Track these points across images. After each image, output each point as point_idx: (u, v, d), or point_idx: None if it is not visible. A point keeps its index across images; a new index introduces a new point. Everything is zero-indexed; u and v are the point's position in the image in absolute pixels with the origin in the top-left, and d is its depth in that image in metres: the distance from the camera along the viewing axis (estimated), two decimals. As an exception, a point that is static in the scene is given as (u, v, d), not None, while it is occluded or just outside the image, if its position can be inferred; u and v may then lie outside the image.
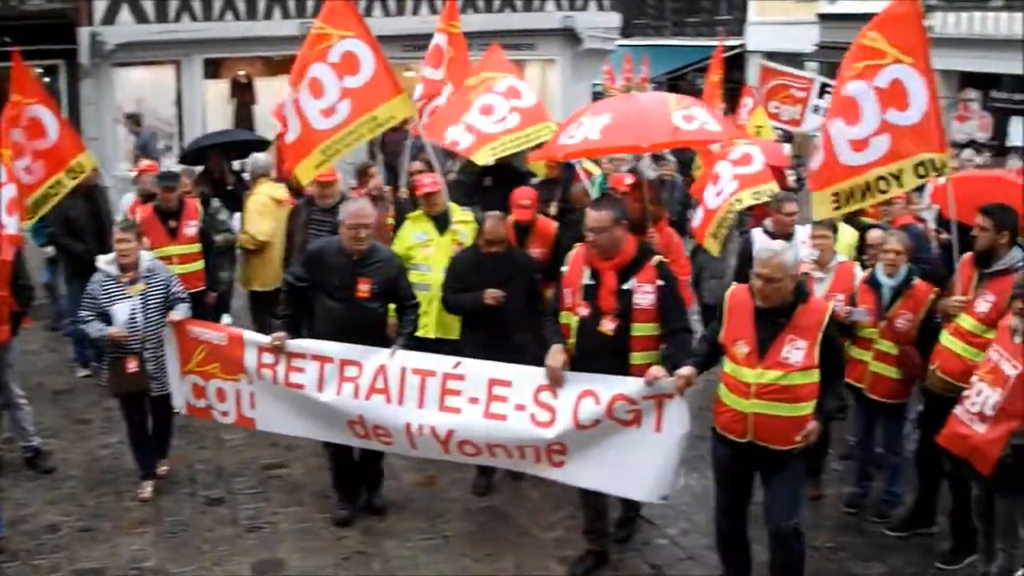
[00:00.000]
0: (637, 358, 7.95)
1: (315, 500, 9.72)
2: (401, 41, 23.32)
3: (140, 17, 23.04)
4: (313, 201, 11.48)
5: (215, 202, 12.98)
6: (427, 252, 10.45)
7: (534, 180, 12.36)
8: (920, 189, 11.58)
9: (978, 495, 7.80)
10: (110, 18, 22.76)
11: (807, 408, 7.20)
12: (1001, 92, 29.87)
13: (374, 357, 8.78)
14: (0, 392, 10.16)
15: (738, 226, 12.23)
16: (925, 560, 8.75)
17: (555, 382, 8.05)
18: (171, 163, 17.96)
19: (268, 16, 23.71)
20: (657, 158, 16.26)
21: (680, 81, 39.42)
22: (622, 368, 7.91)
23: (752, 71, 38.50)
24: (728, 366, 7.43)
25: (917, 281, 9.08)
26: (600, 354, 7.94)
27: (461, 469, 9.70)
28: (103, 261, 9.53)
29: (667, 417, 7.76)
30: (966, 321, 8.23)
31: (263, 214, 12.51)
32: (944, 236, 10.78)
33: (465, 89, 12.19)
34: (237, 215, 13.15)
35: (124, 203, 13.59)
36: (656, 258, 8.08)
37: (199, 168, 14.39)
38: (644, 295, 7.89)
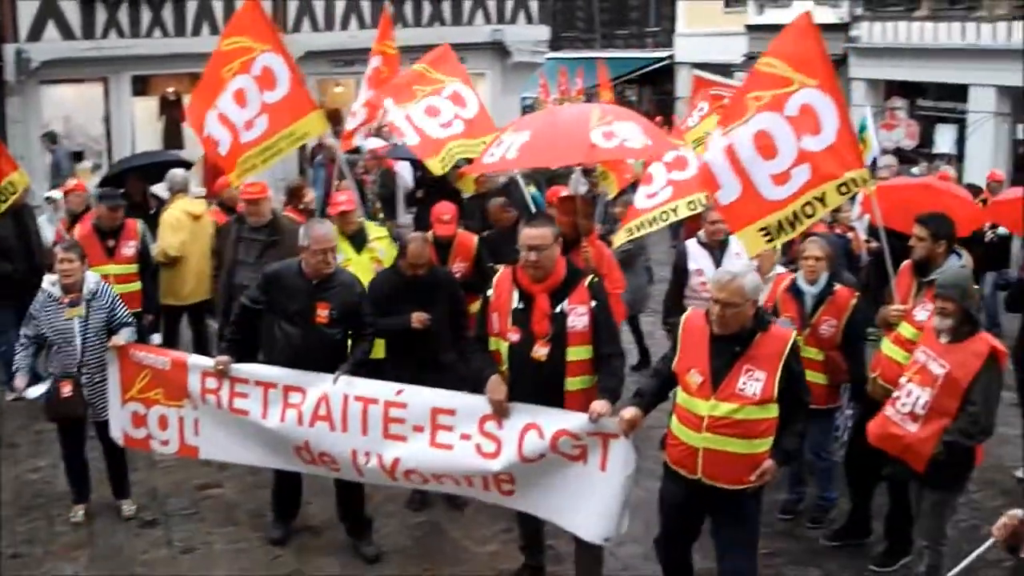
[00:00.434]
0: (572, 384, 7.59)
1: (250, 519, 9.64)
2: (330, 56, 23.40)
3: (66, 33, 22.88)
4: (243, 219, 11.34)
5: (140, 225, 12.86)
6: None
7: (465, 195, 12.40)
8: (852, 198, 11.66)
9: (915, 495, 7.86)
10: (36, 34, 22.59)
11: (763, 445, 6.79)
12: (927, 100, 30.28)
13: (317, 383, 8.44)
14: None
15: (672, 236, 12.31)
16: (860, 563, 8.83)
17: (500, 414, 7.68)
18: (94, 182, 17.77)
19: (196, 32, 23.63)
20: (588, 172, 16.33)
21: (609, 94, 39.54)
22: (556, 394, 7.56)
23: (681, 83, 38.90)
24: (680, 396, 7.00)
25: (838, 287, 9.17)
26: (533, 381, 7.56)
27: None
28: (48, 281, 9.32)
29: (612, 457, 7.38)
30: (906, 329, 8.28)
31: (176, 229, 12.39)
32: (874, 244, 10.88)
33: (415, 75, 12.15)
34: None
35: (43, 223, 13.41)
36: (588, 277, 7.72)
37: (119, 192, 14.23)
38: (578, 317, 7.52)
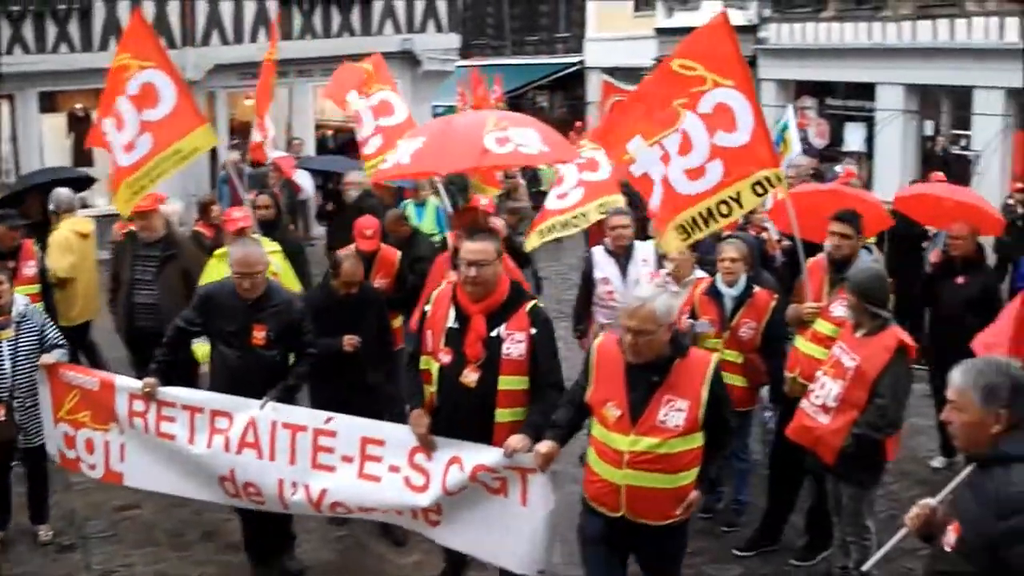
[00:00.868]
0: (502, 415, 7.08)
1: (169, 539, 9.53)
2: (239, 69, 23.19)
3: (-31, 50, 22.51)
4: (136, 236, 11.04)
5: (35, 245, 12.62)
6: None
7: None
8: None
9: (832, 488, 7.94)
10: (-63, 52, 22.21)
11: (688, 477, 6.37)
12: (836, 99, 30.72)
13: (244, 409, 8.09)
14: None
15: (586, 243, 12.29)
16: (781, 559, 8.92)
17: (425, 447, 7.30)
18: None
19: (104, 47, 23.21)
20: (509, 176, 16.32)
21: (521, 100, 39.64)
22: (486, 425, 7.06)
23: (592, 87, 39.10)
24: (597, 430, 6.49)
25: (757, 289, 9.21)
26: (462, 408, 7.11)
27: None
28: None
29: (532, 492, 6.97)
30: (824, 326, 8.32)
31: (65, 249, 12.12)
32: (786, 243, 10.94)
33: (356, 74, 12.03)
34: None
35: None
36: (531, 302, 7.23)
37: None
38: (515, 344, 7.02)
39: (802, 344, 8.50)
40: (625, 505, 6.36)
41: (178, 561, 9.14)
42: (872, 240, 10.80)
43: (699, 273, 9.85)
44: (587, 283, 10.68)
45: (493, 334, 7.04)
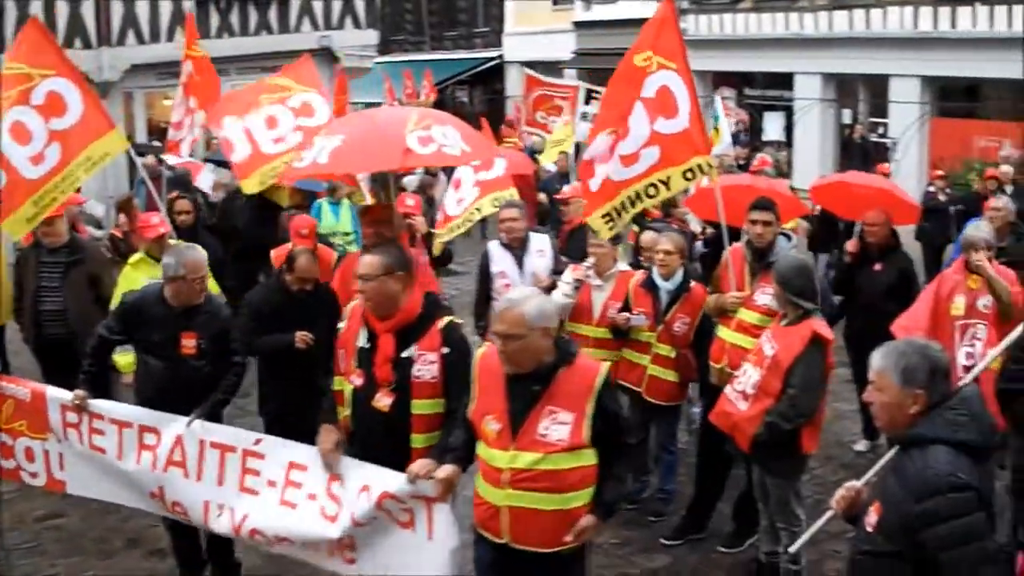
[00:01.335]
0: (419, 440, 6.53)
1: (95, 547, 9.38)
2: (157, 69, 22.93)
3: None
4: (40, 243, 10.66)
5: None
6: None
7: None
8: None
9: (757, 476, 7.97)
10: None
11: (577, 499, 5.76)
12: (754, 89, 31.01)
13: (173, 426, 7.67)
14: None
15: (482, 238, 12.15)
16: (708, 546, 8.95)
17: (328, 467, 6.75)
18: None
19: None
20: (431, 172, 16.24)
21: (441, 95, 39.60)
22: (401, 451, 6.47)
23: (511, 82, 39.18)
24: (480, 447, 5.97)
25: (694, 284, 9.18)
26: (375, 432, 6.60)
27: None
28: None
29: (437, 525, 6.36)
30: (749, 315, 8.35)
31: None
32: (710, 231, 10.99)
33: (263, 85, 11.93)
34: None
35: None
36: (445, 319, 6.67)
37: None
38: (426, 366, 6.49)
39: (726, 334, 8.51)
40: (507, 529, 5.83)
41: (103, 570, 9.00)
42: (790, 225, 10.87)
43: (622, 266, 9.80)
44: (484, 278, 10.39)
45: (404, 355, 6.51)
